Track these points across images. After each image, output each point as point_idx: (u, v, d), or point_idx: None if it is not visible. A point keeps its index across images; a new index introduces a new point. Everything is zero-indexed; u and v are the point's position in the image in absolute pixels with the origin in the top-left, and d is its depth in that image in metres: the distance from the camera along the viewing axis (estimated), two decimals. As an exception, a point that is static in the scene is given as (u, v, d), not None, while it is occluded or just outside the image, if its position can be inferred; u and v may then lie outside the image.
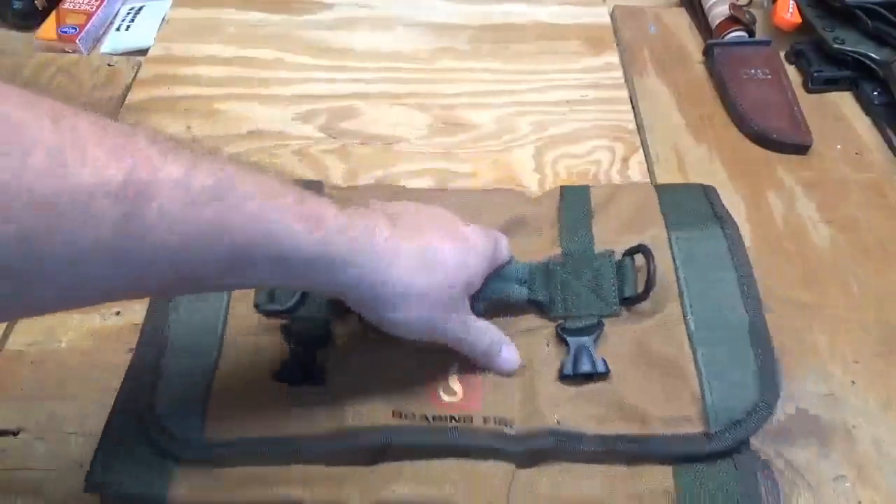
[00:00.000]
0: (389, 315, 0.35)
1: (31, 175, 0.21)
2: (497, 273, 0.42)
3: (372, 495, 0.37)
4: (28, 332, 0.46)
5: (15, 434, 0.41)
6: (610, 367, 0.40)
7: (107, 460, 0.38)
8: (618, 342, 0.42)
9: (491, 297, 0.42)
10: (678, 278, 0.44)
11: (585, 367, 0.40)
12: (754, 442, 0.41)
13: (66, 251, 0.23)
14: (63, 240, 0.22)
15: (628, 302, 0.43)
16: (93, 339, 0.46)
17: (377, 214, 0.35)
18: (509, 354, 0.41)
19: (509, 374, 0.41)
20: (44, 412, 0.42)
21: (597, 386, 0.40)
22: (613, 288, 0.43)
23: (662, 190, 0.50)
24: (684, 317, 0.42)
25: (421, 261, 0.35)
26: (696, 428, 0.38)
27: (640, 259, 0.43)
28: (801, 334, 0.46)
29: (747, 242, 0.51)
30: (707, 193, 0.49)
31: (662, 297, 0.43)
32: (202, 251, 0.27)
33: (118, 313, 0.47)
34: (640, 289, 0.42)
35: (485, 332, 0.40)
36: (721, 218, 0.47)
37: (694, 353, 0.40)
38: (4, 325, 0.46)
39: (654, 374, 0.40)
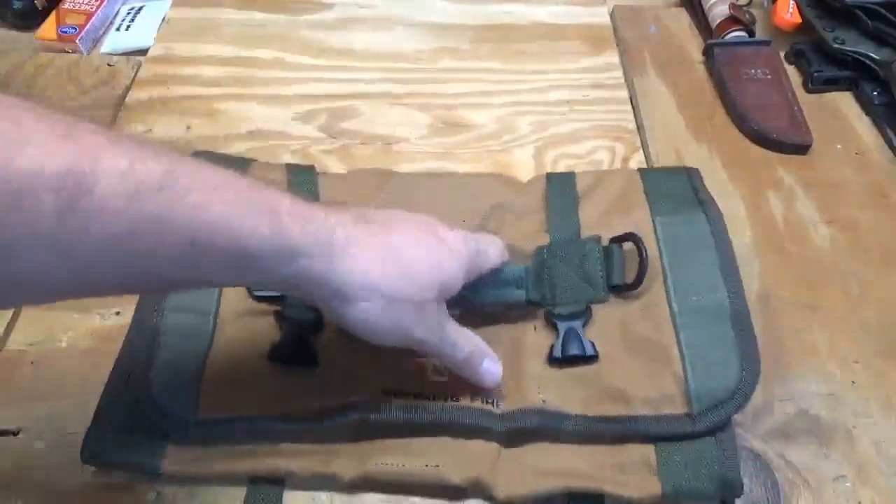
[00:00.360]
0: (349, 314, 0.33)
1: None
2: (493, 278, 0.42)
3: (360, 468, 0.38)
4: (28, 332, 0.46)
5: (15, 434, 0.41)
6: (598, 352, 0.41)
7: (101, 433, 0.39)
8: (603, 325, 0.43)
9: (487, 303, 0.42)
10: (662, 262, 0.44)
11: (575, 350, 0.41)
12: (755, 442, 0.41)
13: (4, 242, 0.23)
14: (1, 230, 0.22)
15: (619, 289, 0.44)
16: (93, 339, 0.46)
17: (343, 210, 0.33)
18: (491, 366, 0.39)
19: (490, 387, 0.40)
20: (44, 412, 0.42)
21: (582, 368, 0.41)
22: (601, 273, 0.44)
23: (647, 175, 0.50)
24: (668, 300, 0.43)
25: (386, 259, 0.33)
26: (679, 409, 0.39)
27: (626, 245, 0.44)
28: (801, 334, 0.46)
29: (747, 242, 0.51)
30: (690, 177, 0.50)
31: (647, 282, 0.43)
32: (148, 244, 0.26)
33: (118, 313, 0.47)
34: (628, 274, 0.43)
35: (465, 342, 0.38)
36: (704, 202, 0.47)
37: (677, 335, 0.41)
38: (4, 324, 0.46)
39: (638, 356, 0.41)
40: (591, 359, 0.41)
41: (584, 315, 0.43)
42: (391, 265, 0.33)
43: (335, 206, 0.33)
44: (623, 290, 0.43)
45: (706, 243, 0.45)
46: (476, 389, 0.40)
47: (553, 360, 0.41)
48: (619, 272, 0.44)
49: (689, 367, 0.40)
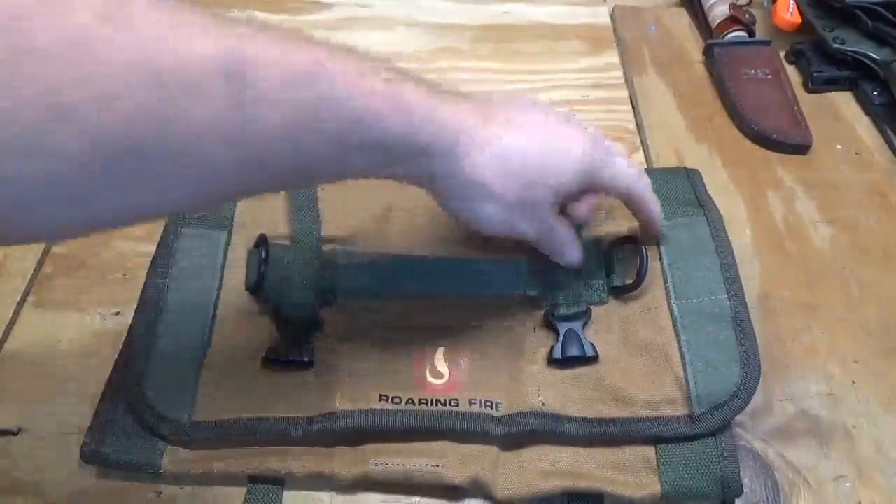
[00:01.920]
0: (467, 210, 0.36)
1: (146, 51, 0.22)
2: (499, 267, 0.43)
3: (360, 467, 0.38)
4: (28, 332, 0.46)
5: (15, 434, 0.41)
6: (598, 353, 0.41)
7: (101, 433, 0.39)
8: (604, 327, 0.43)
9: (484, 293, 0.43)
10: (662, 265, 0.44)
11: (574, 351, 0.41)
12: (755, 442, 0.41)
13: (184, 128, 0.23)
14: (181, 116, 0.23)
15: (619, 291, 0.44)
16: (93, 339, 0.46)
17: (467, 106, 0.34)
18: (574, 253, 0.42)
19: (568, 266, 0.42)
20: (44, 412, 0.42)
21: (582, 370, 0.41)
22: (601, 276, 0.44)
23: (648, 176, 0.50)
24: (668, 303, 0.43)
25: (504, 160, 0.34)
26: (679, 411, 0.39)
27: (627, 247, 0.45)
28: (801, 334, 0.46)
29: (747, 242, 0.51)
30: (691, 179, 0.50)
31: (647, 284, 0.44)
32: (303, 134, 0.27)
33: (118, 313, 0.47)
34: (627, 277, 0.44)
35: (562, 238, 0.41)
36: (704, 205, 0.47)
37: (677, 338, 0.41)
38: (4, 324, 0.46)
39: (638, 358, 0.41)
40: (591, 360, 0.41)
41: (584, 316, 0.43)
42: (509, 169, 0.35)
43: (460, 102, 0.34)
44: (623, 292, 0.44)
45: (706, 246, 0.45)
46: (475, 393, 0.40)
47: (553, 361, 0.41)
48: (619, 274, 0.44)
49: (690, 370, 0.40)
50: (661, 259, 0.45)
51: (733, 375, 0.39)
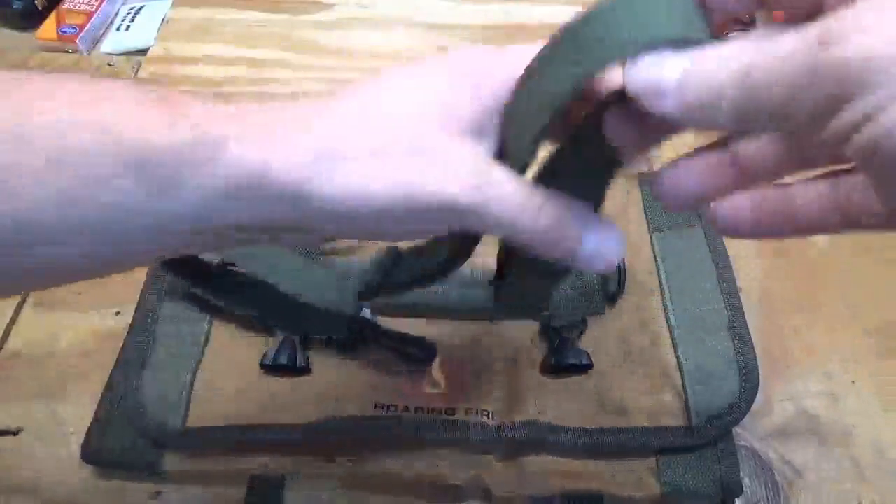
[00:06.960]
0: (328, 205, 0.22)
1: None
2: (483, 278, 0.42)
3: (360, 468, 0.38)
4: (28, 332, 0.46)
5: (15, 434, 0.42)
6: (593, 362, 0.41)
7: (101, 433, 0.39)
8: (601, 338, 0.43)
9: (483, 304, 0.42)
10: (659, 277, 0.44)
11: (569, 359, 0.41)
12: (755, 442, 0.41)
13: None
14: None
15: (608, 299, 0.44)
16: (93, 339, 0.46)
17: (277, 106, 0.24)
18: (598, 242, 0.23)
19: (600, 271, 0.37)
20: (44, 412, 0.42)
21: (580, 380, 0.41)
22: (597, 288, 0.44)
23: (646, 185, 0.50)
24: (665, 314, 0.43)
25: (356, 111, 0.24)
26: (678, 421, 0.39)
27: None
28: (801, 334, 0.46)
29: (747, 242, 0.51)
30: None
31: (645, 295, 0.44)
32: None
33: (118, 313, 0.47)
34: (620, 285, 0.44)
35: (539, 199, 0.22)
36: (701, 214, 0.47)
37: (675, 348, 0.41)
38: (4, 324, 0.46)
39: (636, 369, 0.41)
40: (586, 368, 0.41)
41: (580, 326, 0.42)
42: (364, 119, 0.24)
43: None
44: (611, 299, 0.43)
45: (703, 256, 0.45)
46: (471, 403, 0.40)
47: (547, 370, 0.41)
48: (613, 283, 0.44)
49: (688, 380, 0.40)
50: (658, 271, 0.45)
51: (732, 385, 0.39)
